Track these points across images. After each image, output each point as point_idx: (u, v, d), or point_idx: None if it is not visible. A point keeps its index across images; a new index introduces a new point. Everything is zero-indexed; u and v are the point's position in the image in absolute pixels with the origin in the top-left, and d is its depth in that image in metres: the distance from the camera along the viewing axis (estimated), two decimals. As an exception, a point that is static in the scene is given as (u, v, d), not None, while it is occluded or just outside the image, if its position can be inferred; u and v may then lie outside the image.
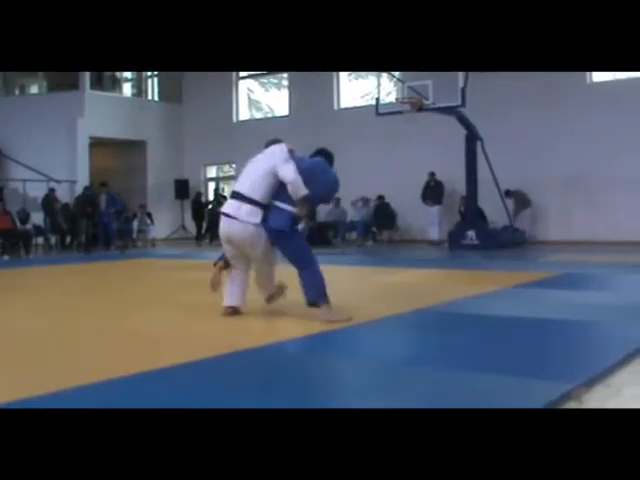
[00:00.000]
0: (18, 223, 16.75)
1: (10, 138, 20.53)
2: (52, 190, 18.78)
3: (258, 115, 23.66)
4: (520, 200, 17.01)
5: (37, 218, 18.07)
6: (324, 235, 18.68)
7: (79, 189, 19.32)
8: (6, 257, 15.48)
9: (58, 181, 19.64)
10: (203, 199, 22.26)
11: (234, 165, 23.21)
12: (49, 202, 18.43)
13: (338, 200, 19.11)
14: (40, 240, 18.12)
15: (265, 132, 21.42)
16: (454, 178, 16.96)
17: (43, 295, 8.51)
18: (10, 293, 8.88)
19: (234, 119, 23.04)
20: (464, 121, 15.18)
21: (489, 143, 15.54)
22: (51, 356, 4.80)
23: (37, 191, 19.24)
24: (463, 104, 14.46)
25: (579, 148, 16.44)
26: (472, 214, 15.83)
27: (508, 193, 16.75)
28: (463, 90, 14.36)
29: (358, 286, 9.17)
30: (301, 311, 6.39)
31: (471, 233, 15.44)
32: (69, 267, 13.14)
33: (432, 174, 17.69)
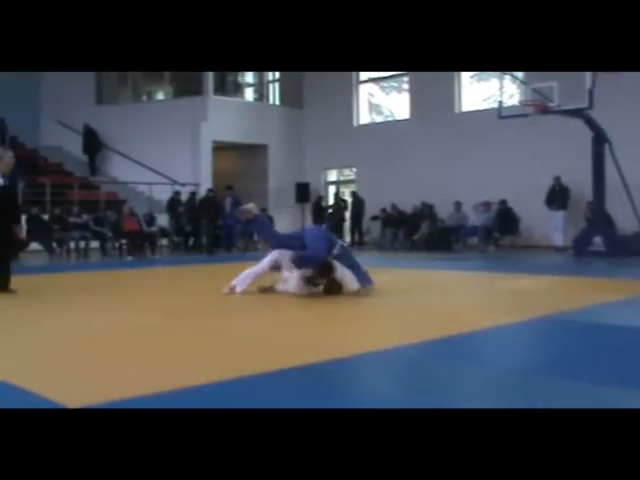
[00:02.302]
0: (144, 225, 17.29)
1: (138, 142, 21.31)
2: (177, 193, 19.34)
3: (378, 119, 23.64)
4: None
5: (162, 220, 18.64)
6: (445, 240, 18.47)
7: (202, 192, 19.82)
8: (130, 258, 16.01)
9: (183, 184, 20.20)
10: (324, 203, 22.41)
11: (354, 169, 23.28)
12: (174, 205, 18.99)
13: (459, 204, 18.89)
14: (165, 242, 18.68)
15: (386, 136, 21.61)
16: (580, 182, 16.40)
17: (164, 294, 8.73)
18: (137, 291, 9.15)
19: (354, 123, 23.07)
20: (591, 123, 14.70)
21: (618, 146, 14.96)
22: (170, 355, 4.90)
23: (162, 194, 19.85)
24: (590, 106, 14.03)
25: None
26: (599, 219, 15.28)
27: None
28: (591, 91, 13.93)
29: (479, 292, 9.06)
30: (417, 315, 6.47)
31: (598, 239, 14.91)
32: (192, 268, 13.46)
33: (557, 178, 17.19)
